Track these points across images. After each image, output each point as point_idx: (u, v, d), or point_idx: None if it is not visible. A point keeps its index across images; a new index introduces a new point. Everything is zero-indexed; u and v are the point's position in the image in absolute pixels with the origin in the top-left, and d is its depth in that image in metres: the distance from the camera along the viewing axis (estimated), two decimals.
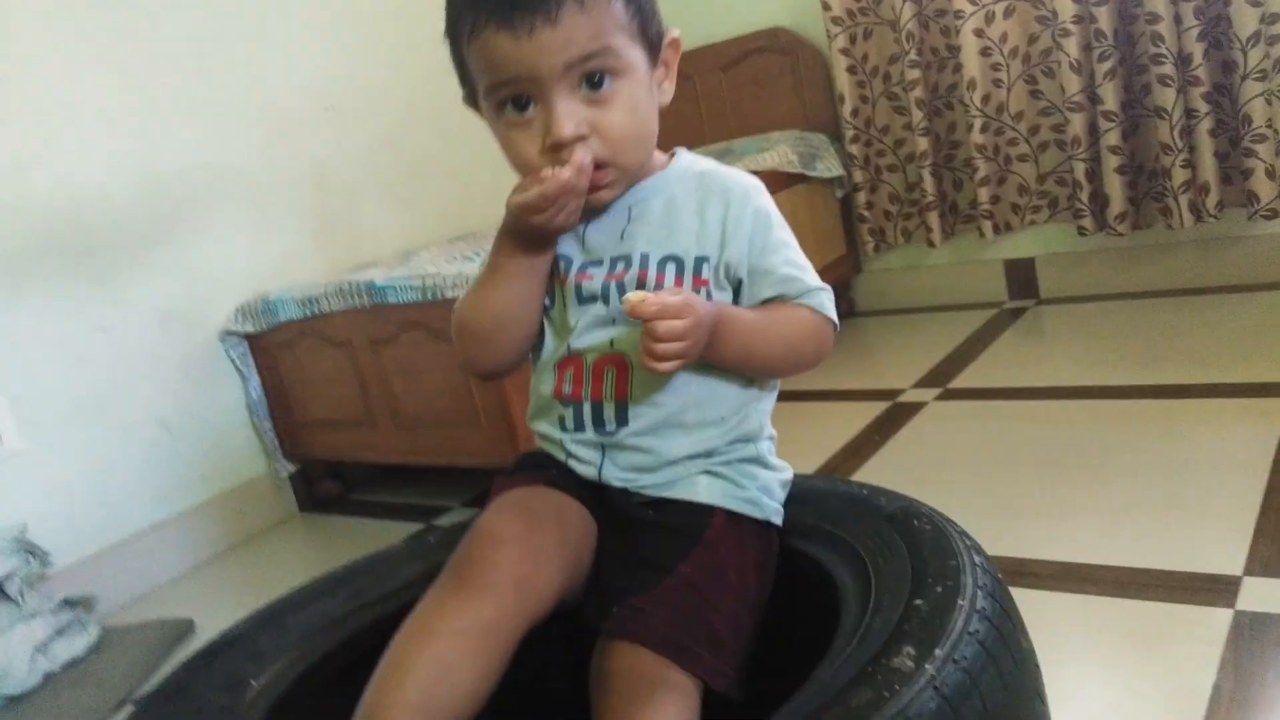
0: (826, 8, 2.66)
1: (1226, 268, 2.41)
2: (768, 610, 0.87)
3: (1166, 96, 2.24)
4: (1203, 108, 2.22)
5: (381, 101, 2.63)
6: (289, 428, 2.33)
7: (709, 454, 0.87)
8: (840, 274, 2.87)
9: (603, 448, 0.87)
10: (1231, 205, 2.32)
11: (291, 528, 2.32)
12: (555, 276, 0.89)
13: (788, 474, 0.94)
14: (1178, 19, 2.20)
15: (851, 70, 2.70)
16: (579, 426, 0.88)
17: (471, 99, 0.87)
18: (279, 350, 2.27)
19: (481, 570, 0.76)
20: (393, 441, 2.16)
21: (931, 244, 2.70)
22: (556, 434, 0.90)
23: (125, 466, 2.10)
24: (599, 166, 0.81)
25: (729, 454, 0.88)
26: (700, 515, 0.85)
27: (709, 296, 0.85)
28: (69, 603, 1.85)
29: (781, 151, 2.65)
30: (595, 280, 0.87)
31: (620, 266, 0.86)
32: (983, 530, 1.46)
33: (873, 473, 1.82)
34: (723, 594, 0.81)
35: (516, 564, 0.76)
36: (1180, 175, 2.27)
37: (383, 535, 2.07)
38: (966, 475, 1.75)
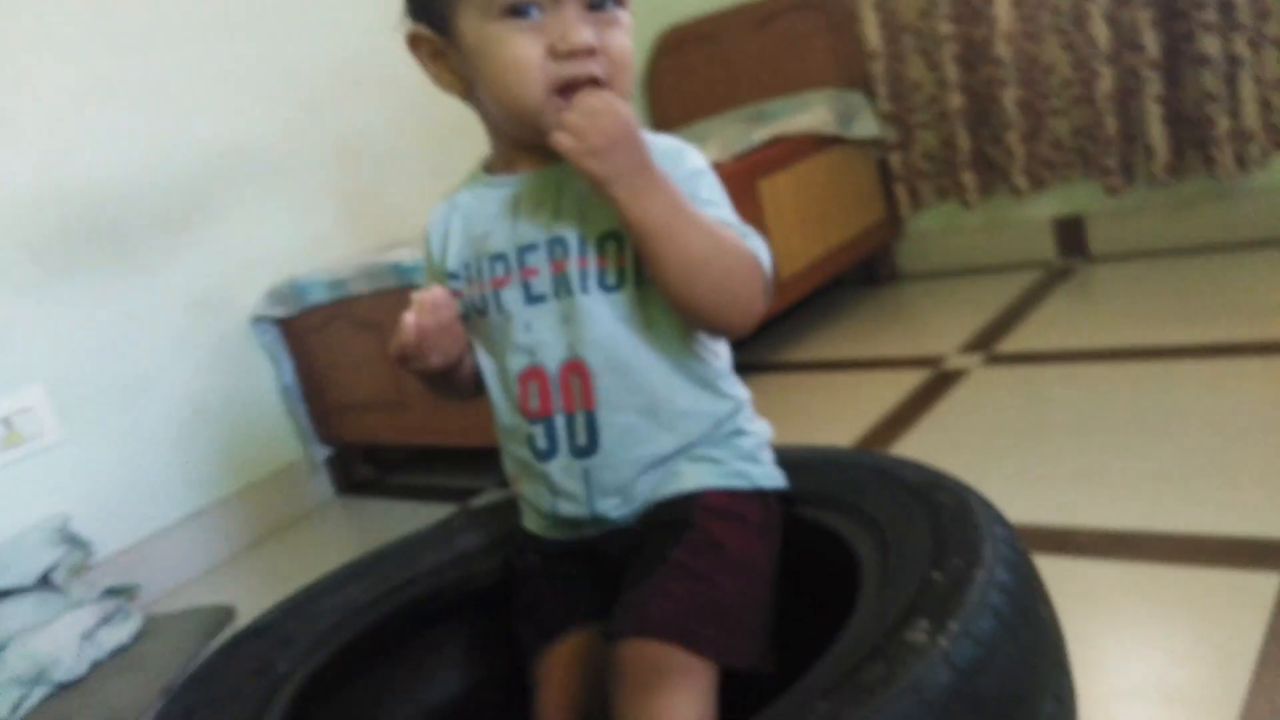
0: None
1: (1277, 219, 2.30)
2: (789, 583, 0.85)
3: (1209, 43, 2.13)
4: (1247, 54, 2.12)
5: (407, 72, 2.58)
6: (323, 412, 2.33)
7: (690, 444, 0.85)
8: (880, 238, 2.80)
9: (586, 472, 0.84)
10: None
11: (328, 512, 2.32)
12: (479, 281, 0.86)
13: (767, 432, 0.91)
14: None
15: (883, 25, 2.61)
16: (552, 447, 0.84)
17: (430, 23, 0.84)
18: (310, 334, 2.26)
19: None
20: (425, 423, 2.15)
21: (967, 204, 2.62)
22: (535, 464, 0.86)
23: (162, 455, 2.11)
24: (603, 84, 0.80)
25: (708, 437, 0.86)
26: (688, 500, 0.83)
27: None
28: (112, 591, 1.87)
29: (817, 112, 2.57)
30: (541, 274, 0.83)
31: (559, 252, 0.83)
32: (1027, 499, 1.45)
33: (914, 443, 1.77)
34: (724, 571, 0.79)
35: None
36: (1224, 123, 2.17)
37: (419, 517, 2.06)
38: (1012, 443, 1.70)
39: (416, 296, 0.84)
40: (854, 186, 2.69)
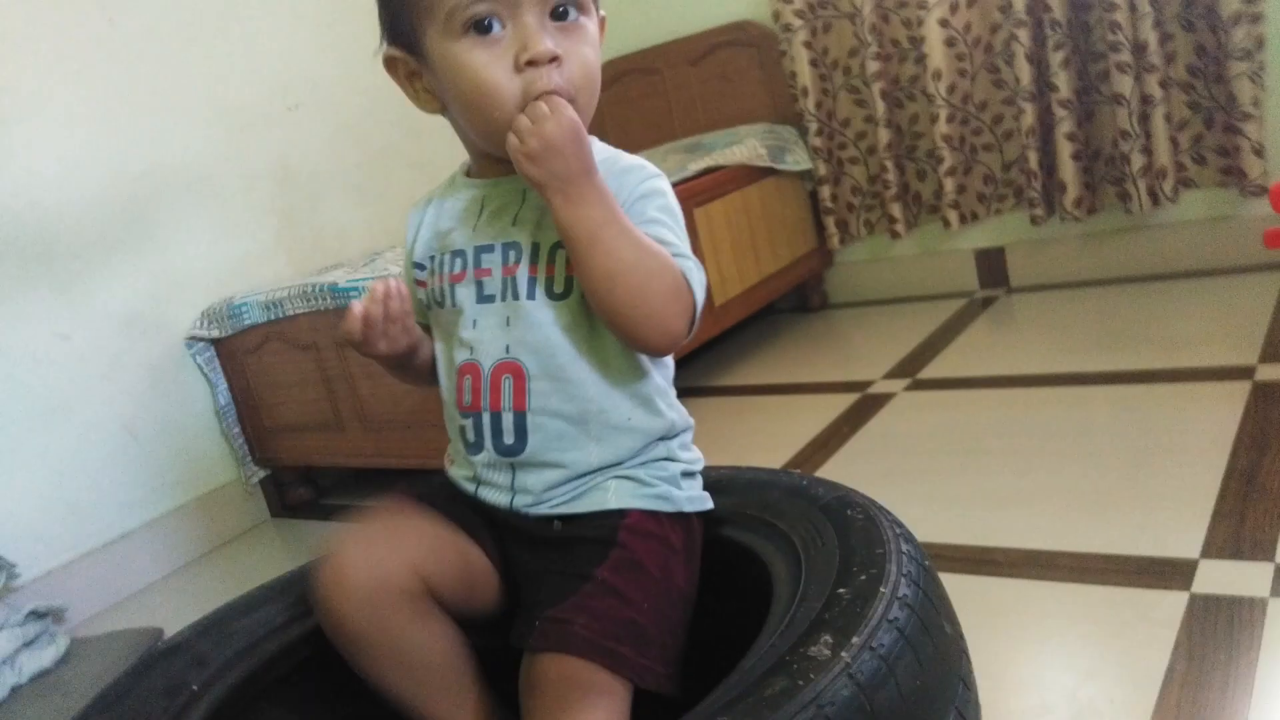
0: (788, 1, 2.66)
1: (1188, 252, 2.42)
2: (706, 600, 0.87)
3: (1123, 83, 2.25)
4: (1158, 93, 2.24)
5: (343, 95, 2.61)
6: (258, 433, 2.31)
7: (619, 462, 0.86)
8: (811, 267, 2.87)
9: (513, 469, 0.86)
10: (1188, 189, 2.34)
11: (263, 534, 2.30)
12: (440, 274, 0.89)
13: (699, 463, 0.92)
14: (1133, 6, 2.21)
15: (814, 63, 2.70)
16: (479, 442, 0.87)
17: (402, 45, 0.84)
18: (245, 354, 2.25)
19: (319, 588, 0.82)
20: (361, 444, 2.15)
21: (896, 235, 2.70)
22: (462, 450, 0.90)
23: (92, 474, 2.08)
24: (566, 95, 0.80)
25: (639, 458, 0.87)
26: (612, 518, 0.84)
27: None
28: (37, 614, 1.83)
29: (750, 145, 2.65)
30: (494, 276, 0.86)
31: (512, 257, 0.85)
32: (945, 518, 1.50)
33: (841, 465, 1.83)
34: (644, 592, 0.80)
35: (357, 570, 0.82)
36: (1138, 160, 2.29)
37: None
38: (934, 464, 1.76)
39: (369, 284, 0.86)
40: (786, 217, 2.77)
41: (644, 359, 0.87)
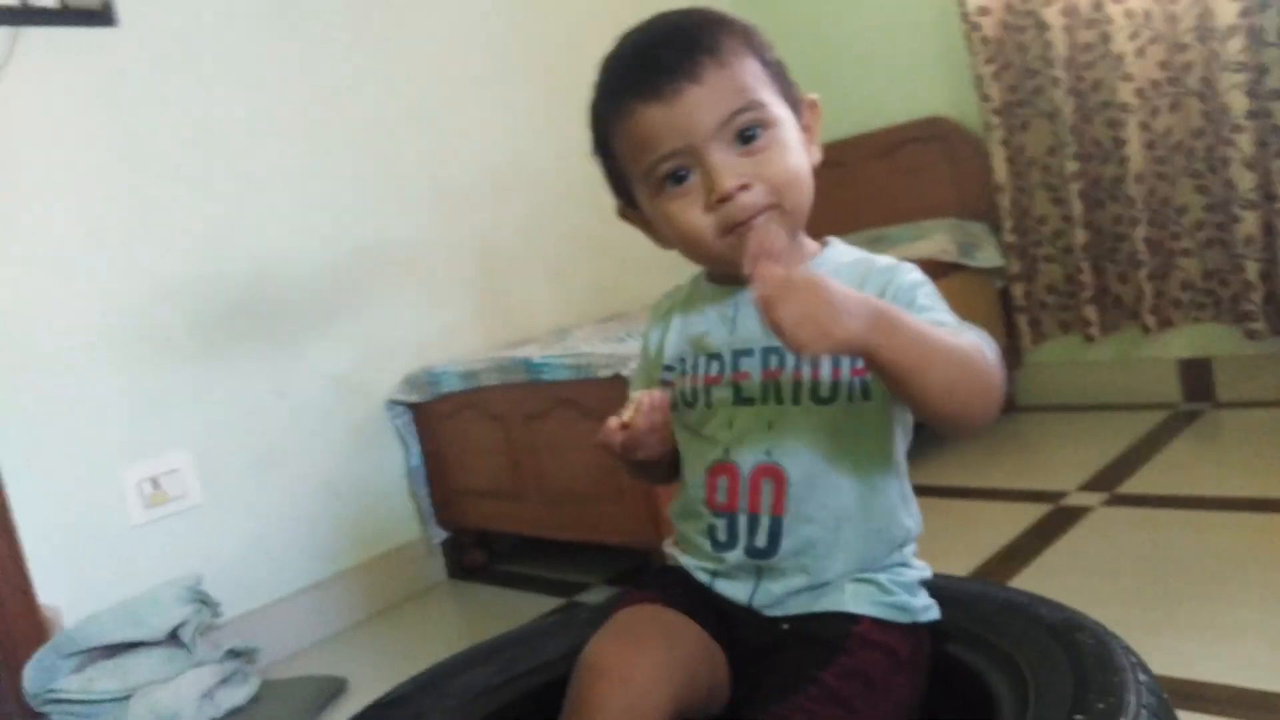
0: (986, 99, 2.64)
1: None
2: (920, 716, 0.85)
3: None
4: None
5: (543, 180, 2.74)
6: (443, 495, 2.41)
7: (863, 570, 0.86)
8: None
9: (758, 571, 0.86)
10: None
11: (440, 594, 2.38)
12: (693, 375, 0.91)
13: (927, 572, 0.91)
14: None
15: (1010, 160, 2.66)
16: (731, 541, 0.87)
17: (627, 201, 0.90)
18: (439, 420, 2.36)
19: (587, 709, 0.78)
20: (539, 514, 2.21)
21: (1090, 338, 2.60)
22: (705, 546, 0.89)
23: (290, 525, 2.21)
24: (764, 210, 0.82)
25: (877, 562, 0.86)
26: (842, 622, 0.83)
27: (865, 385, 0.84)
28: (234, 653, 1.95)
29: (938, 239, 2.62)
30: (753, 379, 0.86)
31: (774, 361, 0.85)
32: (1148, 647, 1.39)
33: (1032, 580, 1.75)
34: (866, 701, 0.79)
35: (618, 695, 0.77)
36: None
37: (525, 606, 2.10)
38: (1133, 586, 1.66)
39: (635, 397, 0.89)
40: (974, 315, 2.67)
41: (899, 460, 0.88)
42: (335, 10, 2.37)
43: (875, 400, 0.84)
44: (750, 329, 0.88)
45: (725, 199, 0.81)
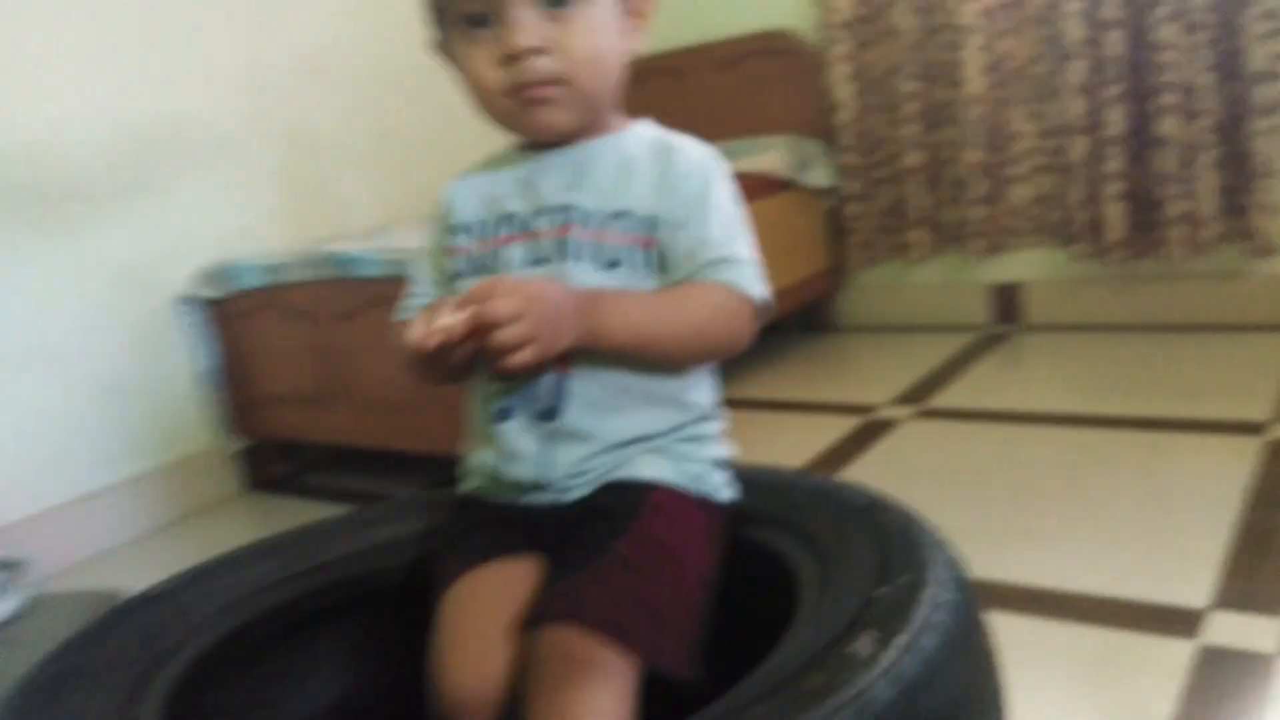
0: (830, 13, 2.61)
1: (1219, 304, 2.37)
2: (724, 599, 0.82)
3: (1171, 126, 2.21)
4: (1208, 140, 2.19)
5: (363, 65, 2.55)
6: (241, 402, 2.24)
7: (654, 435, 0.83)
8: (823, 288, 2.82)
9: (542, 438, 0.82)
10: (1231, 240, 2.29)
11: (237, 506, 2.23)
12: (488, 239, 0.86)
13: (727, 454, 0.90)
14: (1187, 49, 2.17)
15: (851, 78, 2.65)
16: (507, 401, 0.83)
17: (435, 31, 0.85)
18: (238, 319, 2.18)
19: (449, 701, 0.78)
20: (348, 422, 2.08)
21: (915, 260, 2.65)
22: (488, 426, 0.85)
23: (65, 429, 2.01)
24: (554, 83, 0.80)
25: (673, 433, 0.84)
26: (639, 492, 0.81)
27: (658, 256, 0.83)
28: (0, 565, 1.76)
29: (773, 156, 2.60)
30: (545, 239, 0.83)
31: (565, 218, 0.83)
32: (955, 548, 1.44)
33: None
34: (663, 570, 0.77)
35: (473, 685, 0.77)
36: (1178, 206, 2.24)
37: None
38: (939, 495, 1.70)
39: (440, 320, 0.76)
40: (803, 233, 2.71)
41: None
42: None
43: (661, 275, 0.83)
44: (550, 189, 0.85)
45: (515, 56, 0.78)
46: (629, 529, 0.78)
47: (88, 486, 2.03)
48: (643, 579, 0.75)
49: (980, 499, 1.66)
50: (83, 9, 2.03)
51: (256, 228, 2.32)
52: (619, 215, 0.82)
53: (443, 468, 2.06)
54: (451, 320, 0.72)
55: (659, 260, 0.82)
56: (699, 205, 0.82)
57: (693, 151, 0.85)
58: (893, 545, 0.76)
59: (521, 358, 0.72)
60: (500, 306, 0.71)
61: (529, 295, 0.73)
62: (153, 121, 2.14)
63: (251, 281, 2.11)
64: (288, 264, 2.05)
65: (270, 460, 2.32)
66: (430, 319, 0.74)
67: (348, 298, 1.97)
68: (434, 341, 0.72)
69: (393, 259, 1.87)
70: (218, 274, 2.16)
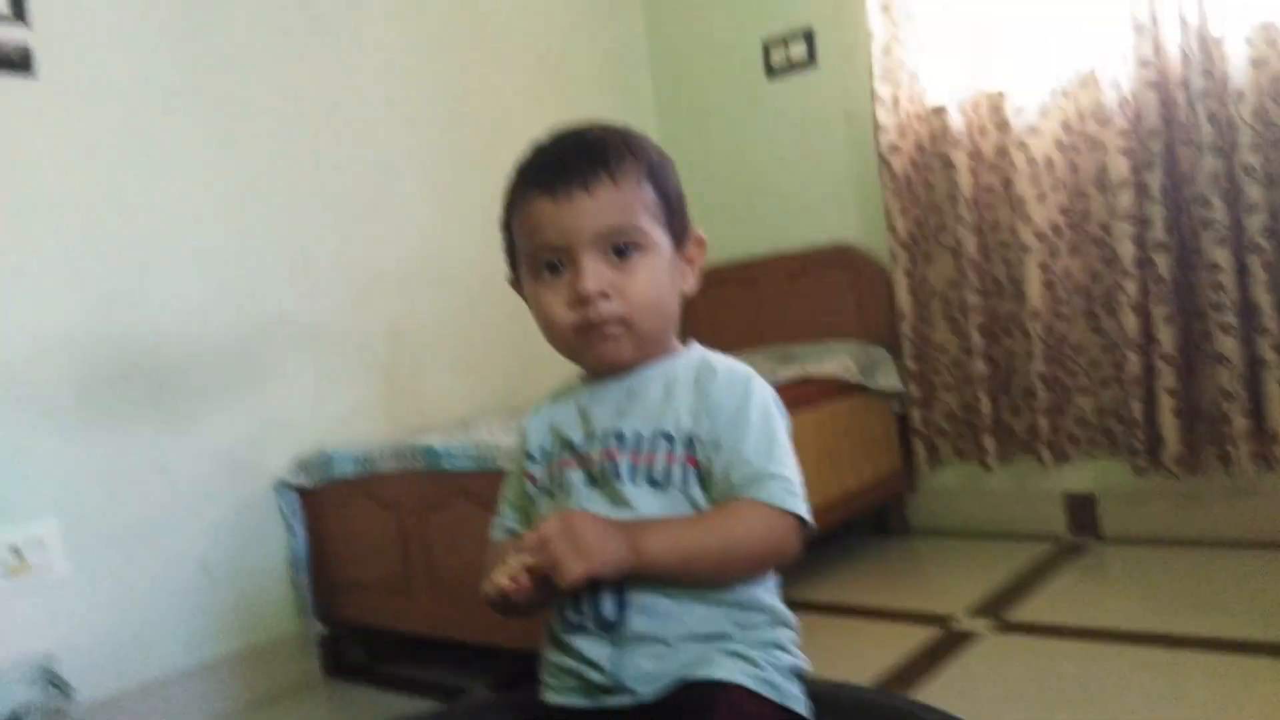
0: (893, 230, 2.76)
1: None
2: None
3: (1226, 344, 2.26)
4: (1272, 357, 2.23)
5: (460, 272, 2.74)
6: (326, 587, 2.30)
7: (723, 635, 0.87)
8: (894, 490, 2.84)
9: (612, 645, 0.88)
10: None
11: (313, 693, 2.25)
12: (552, 464, 0.96)
13: (805, 665, 0.93)
14: (1241, 269, 2.25)
15: (912, 290, 2.77)
16: (578, 617, 0.89)
17: (517, 275, 0.98)
18: (330, 506, 2.28)
19: None
20: (427, 611, 2.12)
21: (986, 466, 2.67)
22: (562, 635, 0.91)
23: (162, 607, 2.09)
24: (617, 322, 0.90)
25: (747, 636, 0.88)
26: (714, 690, 0.84)
27: (698, 475, 0.89)
28: None
29: (841, 360, 2.69)
30: (597, 462, 0.92)
31: (613, 443, 0.92)
32: None
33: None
34: None
35: None
36: (1241, 424, 2.26)
37: (402, 711, 2.00)
38: (1020, 713, 1.67)
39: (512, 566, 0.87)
40: (872, 435, 2.76)
41: None
42: (258, 89, 2.36)
43: (706, 493, 0.90)
44: (599, 419, 0.95)
45: (584, 300, 0.89)
46: None
47: (173, 666, 2.09)
48: None
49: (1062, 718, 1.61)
50: (207, 219, 2.24)
51: (351, 418, 2.45)
52: (664, 436, 0.91)
53: (507, 663, 2.09)
54: (508, 582, 0.84)
55: (703, 478, 0.89)
56: (734, 425, 0.89)
57: (729, 373, 0.94)
58: None
59: (571, 571, 0.80)
60: (545, 532, 0.82)
61: (568, 521, 0.83)
62: (262, 317, 2.31)
63: (345, 470, 2.21)
64: (379, 454, 2.16)
65: (349, 647, 2.36)
66: (503, 567, 0.85)
67: (435, 489, 2.05)
68: (498, 595, 0.84)
69: (479, 454, 1.96)
70: (312, 463, 2.27)
